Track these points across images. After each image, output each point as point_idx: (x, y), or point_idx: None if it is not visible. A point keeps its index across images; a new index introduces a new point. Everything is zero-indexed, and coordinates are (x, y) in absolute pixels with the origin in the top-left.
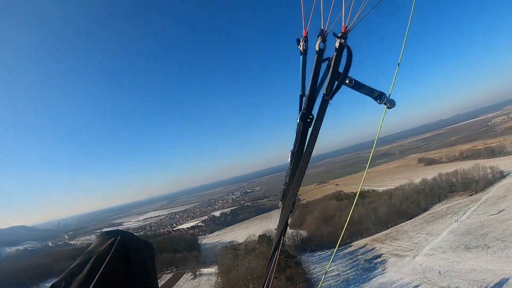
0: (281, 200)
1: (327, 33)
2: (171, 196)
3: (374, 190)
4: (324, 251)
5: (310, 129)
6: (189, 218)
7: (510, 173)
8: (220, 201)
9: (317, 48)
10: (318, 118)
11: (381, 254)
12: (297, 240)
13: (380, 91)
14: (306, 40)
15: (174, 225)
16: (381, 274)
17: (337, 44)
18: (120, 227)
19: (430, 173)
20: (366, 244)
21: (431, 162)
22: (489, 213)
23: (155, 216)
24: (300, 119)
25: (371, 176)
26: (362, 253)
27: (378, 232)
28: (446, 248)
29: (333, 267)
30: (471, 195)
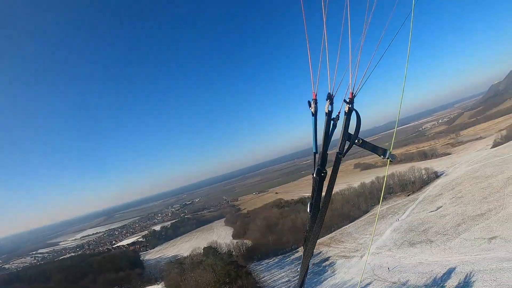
0: (303, 245)
1: (334, 96)
2: (108, 212)
3: None
4: (271, 258)
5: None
6: (128, 234)
7: (443, 173)
8: (159, 215)
9: (326, 111)
10: (334, 173)
11: (329, 257)
12: (243, 250)
13: (383, 148)
14: (316, 102)
15: (114, 242)
16: (331, 276)
17: (346, 109)
18: (56, 247)
19: (368, 177)
20: None
21: (367, 167)
22: (428, 210)
23: (93, 234)
24: (316, 174)
25: (309, 182)
26: None
27: (323, 236)
28: (391, 245)
29: (282, 274)
30: (408, 195)
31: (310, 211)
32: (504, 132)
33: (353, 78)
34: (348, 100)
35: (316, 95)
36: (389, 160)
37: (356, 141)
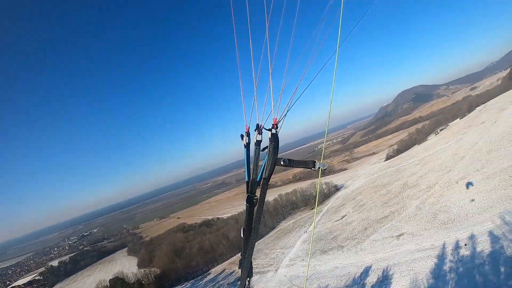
0: (239, 268)
1: (262, 126)
2: None
3: (218, 218)
4: (183, 284)
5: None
6: (23, 273)
7: (343, 185)
8: (56, 249)
9: (255, 140)
10: (261, 198)
11: None
12: (152, 278)
13: (311, 160)
14: (248, 134)
15: (8, 282)
16: None
17: (269, 135)
18: None
19: (270, 196)
20: (225, 269)
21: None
22: (334, 220)
23: None
24: (246, 202)
25: (211, 205)
26: (222, 278)
27: (233, 256)
28: (304, 256)
29: None
30: (312, 209)
31: (243, 235)
32: (395, 147)
33: (276, 107)
34: (270, 128)
35: (248, 128)
36: (320, 168)
37: (283, 162)
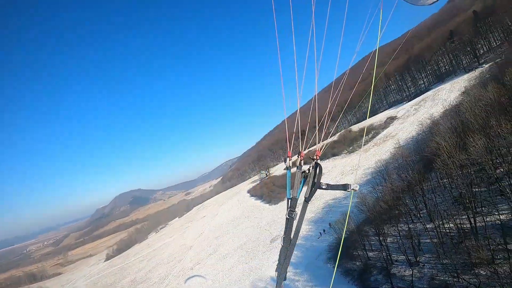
0: (275, 271)
1: (304, 153)
2: None
3: None
4: None
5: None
6: None
7: None
8: None
9: (297, 164)
10: (302, 214)
11: None
12: None
13: (344, 184)
14: (290, 159)
15: None
16: None
17: (313, 163)
18: None
19: None
20: None
21: None
22: None
23: None
24: (288, 215)
25: None
26: None
27: None
28: None
29: None
30: None
31: (283, 243)
32: (115, 247)
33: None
34: (314, 157)
35: (291, 153)
36: (353, 190)
37: (324, 186)
